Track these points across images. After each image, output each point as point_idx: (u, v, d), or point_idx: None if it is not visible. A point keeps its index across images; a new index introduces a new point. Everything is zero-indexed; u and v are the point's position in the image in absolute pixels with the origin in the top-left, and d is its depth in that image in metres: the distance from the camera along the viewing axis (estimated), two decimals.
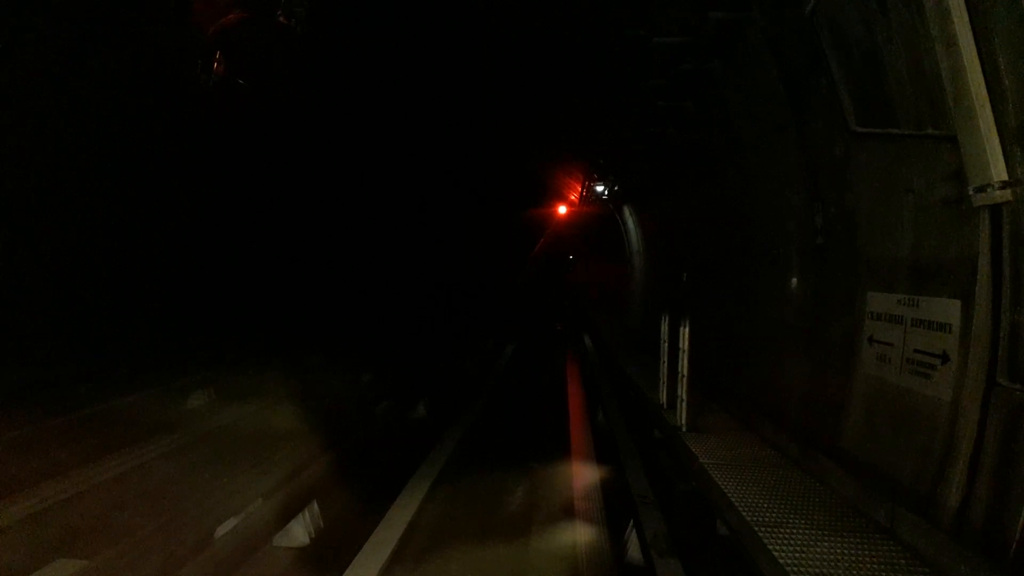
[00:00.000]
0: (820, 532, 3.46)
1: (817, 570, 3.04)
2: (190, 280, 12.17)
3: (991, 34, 2.66)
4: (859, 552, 3.21)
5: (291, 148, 14.05)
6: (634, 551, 4.39)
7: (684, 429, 5.63)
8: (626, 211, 16.64)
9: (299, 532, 4.65)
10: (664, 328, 6.57)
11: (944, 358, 3.28)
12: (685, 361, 5.63)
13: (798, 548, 3.27)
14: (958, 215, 3.18)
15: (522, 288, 36.84)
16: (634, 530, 4.54)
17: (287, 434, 7.09)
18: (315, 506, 4.94)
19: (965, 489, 2.98)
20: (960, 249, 3.19)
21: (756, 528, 3.52)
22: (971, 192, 2.86)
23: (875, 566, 3.06)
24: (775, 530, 3.49)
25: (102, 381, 8.66)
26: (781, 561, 3.12)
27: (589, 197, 17.82)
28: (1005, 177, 2.68)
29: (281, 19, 9.48)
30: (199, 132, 10.91)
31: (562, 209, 27.10)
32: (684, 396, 5.67)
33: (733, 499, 3.98)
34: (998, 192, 2.71)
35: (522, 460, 6.61)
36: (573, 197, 22.76)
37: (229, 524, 4.59)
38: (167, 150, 10.59)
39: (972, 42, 2.67)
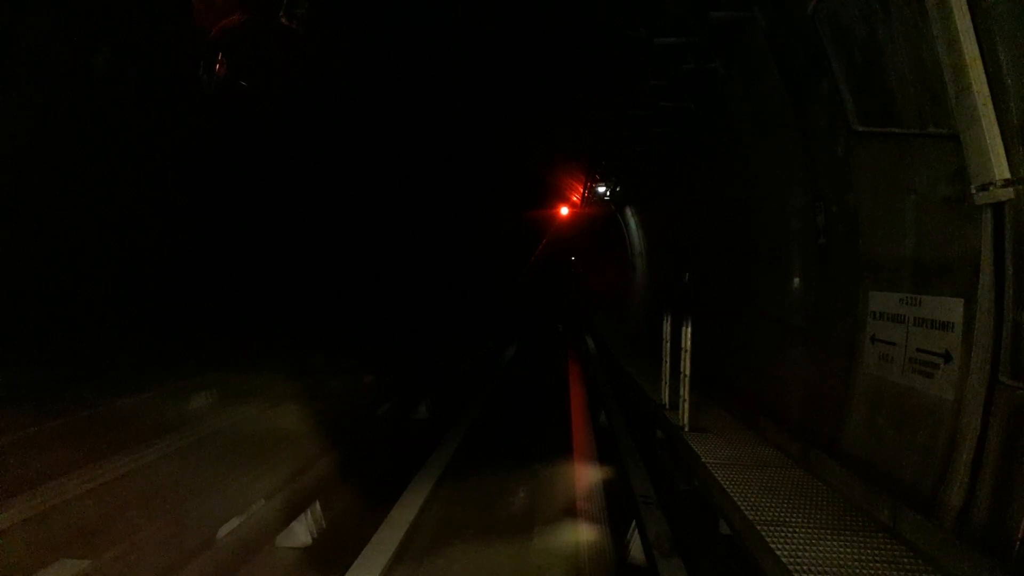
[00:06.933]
0: (823, 531, 3.46)
1: (820, 569, 3.03)
2: (192, 281, 12.19)
3: (993, 32, 2.66)
4: (862, 551, 3.21)
5: (293, 150, 14.08)
6: (636, 551, 4.39)
7: (686, 429, 5.63)
8: (628, 212, 16.65)
9: (301, 532, 4.65)
10: (666, 328, 6.57)
11: (947, 357, 3.27)
12: (687, 361, 5.63)
13: (801, 547, 3.26)
14: (960, 214, 3.18)
15: (524, 289, 36.82)
16: (636, 530, 4.53)
17: (289, 435, 7.10)
18: (317, 506, 4.94)
19: (968, 488, 2.97)
20: (962, 248, 3.19)
21: (759, 527, 3.52)
22: (973, 190, 2.86)
23: (878, 564, 3.06)
24: (778, 529, 3.49)
25: (104, 382, 8.68)
26: (784, 560, 3.12)
27: (591, 198, 17.82)
28: (1007, 175, 2.68)
29: (283, 20, 9.50)
30: (201, 133, 10.93)
31: (564, 210, 27.08)
32: (686, 396, 5.66)
33: (736, 498, 3.97)
34: (1000, 190, 2.71)
35: (524, 460, 6.61)
36: (575, 198, 22.75)
37: (232, 524, 4.60)
38: (167, 150, 10.61)
39: (974, 40, 2.68)
